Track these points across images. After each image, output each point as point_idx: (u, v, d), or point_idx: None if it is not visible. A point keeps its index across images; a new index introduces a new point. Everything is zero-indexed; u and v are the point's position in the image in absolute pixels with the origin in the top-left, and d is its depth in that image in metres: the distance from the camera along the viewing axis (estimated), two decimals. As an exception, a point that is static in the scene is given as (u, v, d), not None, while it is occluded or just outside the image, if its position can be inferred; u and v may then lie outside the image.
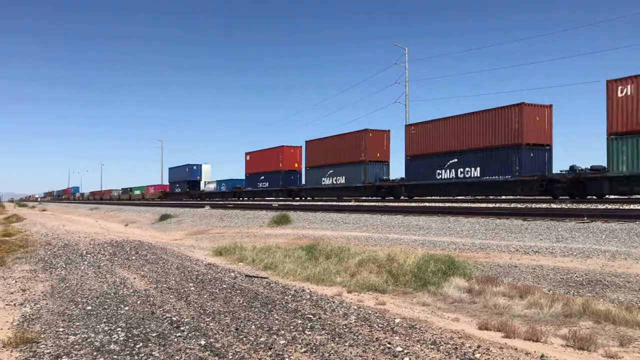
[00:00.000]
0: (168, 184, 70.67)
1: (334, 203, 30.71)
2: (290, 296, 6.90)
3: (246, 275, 8.63)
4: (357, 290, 7.44)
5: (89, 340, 4.91)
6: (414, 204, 24.68)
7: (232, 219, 22.66)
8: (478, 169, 26.33)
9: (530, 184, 23.91)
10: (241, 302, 6.58)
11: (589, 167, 22.65)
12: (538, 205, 18.28)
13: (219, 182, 56.08)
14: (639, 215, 12.22)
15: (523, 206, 18.13)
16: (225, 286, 7.66)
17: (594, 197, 22.28)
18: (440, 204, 22.91)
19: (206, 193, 57.89)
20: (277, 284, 7.82)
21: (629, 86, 20.15)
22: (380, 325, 5.37)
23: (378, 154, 34.18)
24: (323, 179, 38.64)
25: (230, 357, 4.40)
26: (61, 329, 5.31)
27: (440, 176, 28.61)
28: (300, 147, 43.38)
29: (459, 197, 28.04)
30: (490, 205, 20.77)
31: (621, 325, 5.38)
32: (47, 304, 6.61)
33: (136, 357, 4.40)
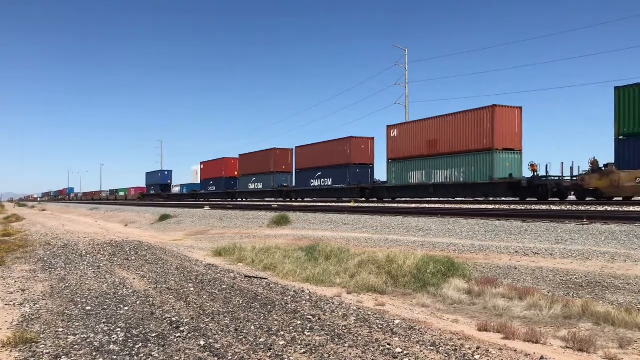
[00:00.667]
0: (145, 186, 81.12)
1: (334, 204, 30.77)
2: (289, 297, 6.90)
3: (246, 276, 8.63)
4: (356, 291, 7.44)
5: (88, 340, 4.91)
6: (413, 205, 24.74)
7: (232, 220, 22.66)
8: (331, 179, 38.93)
9: (354, 190, 36.09)
10: (241, 302, 6.58)
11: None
12: (538, 207, 18.29)
13: (182, 186, 68.38)
14: (638, 217, 12.23)
15: (523, 208, 18.14)
16: (224, 287, 7.66)
17: (388, 199, 33.68)
18: (437, 205, 22.96)
19: (172, 195, 69.68)
20: (276, 285, 7.82)
21: (396, 130, 32.88)
22: (379, 326, 5.37)
23: (283, 167, 46.34)
24: (249, 184, 50.76)
25: (230, 357, 4.40)
26: (60, 329, 5.31)
27: (312, 184, 41.09)
28: (238, 158, 54.10)
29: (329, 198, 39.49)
30: (490, 206, 20.79)
31: (621, 327, 5.38)
32: (46, 304, 6.61)
33: (136, 358, 4.40)
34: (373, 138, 37.76)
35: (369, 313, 5.98)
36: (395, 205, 26.03)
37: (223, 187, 55.15)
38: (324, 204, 30.74)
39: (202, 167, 61.79)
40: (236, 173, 53.74)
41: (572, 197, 23.91)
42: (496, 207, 19.61)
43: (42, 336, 5.05)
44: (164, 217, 27.65)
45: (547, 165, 24.57)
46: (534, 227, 12.12)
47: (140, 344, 4.76)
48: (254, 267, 9.77)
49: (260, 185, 48.42)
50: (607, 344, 4.88)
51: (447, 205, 22.52)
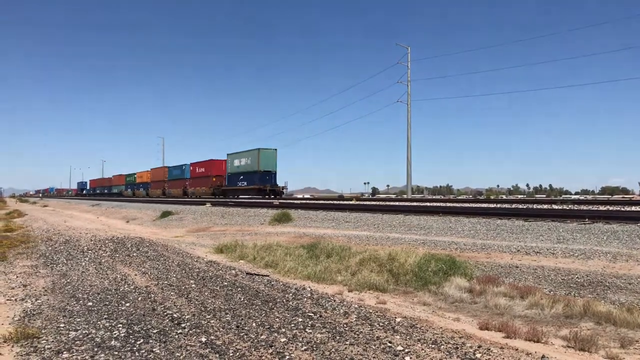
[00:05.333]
0: (76, 188, 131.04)
1: (335, 202, 30.79)
2: (291, 294, 6.90)
3: (247, 273, 8.63)
4: (358, 289, 7.44)
5: (90, 336, 4.92)
6: (415, 204, 24.73)
7: (233, 217, 22.66)
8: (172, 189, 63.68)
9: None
10: (242, 299, 6.58)
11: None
12: (539, 206, 18.27)
13: (86, 189, 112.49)
14: (641, 217, 12.18)
15: (524, 207, 18.12)
16: (226, 284, 7.66)
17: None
18: (442, 204, 22.95)
19: (84, 194, 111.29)
20: (278, 282, 7.82)
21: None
22: (381, 324, 5.37)
23: (160, 178, 66.30)
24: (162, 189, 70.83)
25: (231, 354, 4.40)
26: (62, 325, 5.32)
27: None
28: (149, 171, 73.20)
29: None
30: (492, 205, 20.77)
31: (622, 326, 5.38)
32: (48, 299, 6.62)
33: (137, 354, 4.40)
34: (274, 150, 45.22)
35: (370, 311, 5.98)
36: (397, 203, 26.05)
37: (108, 190, 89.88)
38: (325, 202, 30.73)
39: (90, 180, 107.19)
40: (146, 180, 75.06)
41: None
42: (498, 206, 19.59)
43: (43, 332, 5.05)
44: (165, 214, 27.65)
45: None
46: (536, 226, 12.10)
47: (142, 340, 4.77)
48: (255, 265, 9.78)
49: (171, 189, 64.77)
50: (609, 343, 4.88)
51: (448, 204, 22.50)
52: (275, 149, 44.52)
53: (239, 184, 45.98)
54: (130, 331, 5.08)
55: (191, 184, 54.94)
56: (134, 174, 76.90)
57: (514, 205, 19.87)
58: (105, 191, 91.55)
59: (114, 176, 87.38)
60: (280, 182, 44.46)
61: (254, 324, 5.36)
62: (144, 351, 4.46)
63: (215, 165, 50.41)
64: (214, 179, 50.15)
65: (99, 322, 5.41)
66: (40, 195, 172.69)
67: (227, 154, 49.32)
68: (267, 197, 41.18)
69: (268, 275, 8.46)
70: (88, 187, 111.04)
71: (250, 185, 43.81)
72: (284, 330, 5.14)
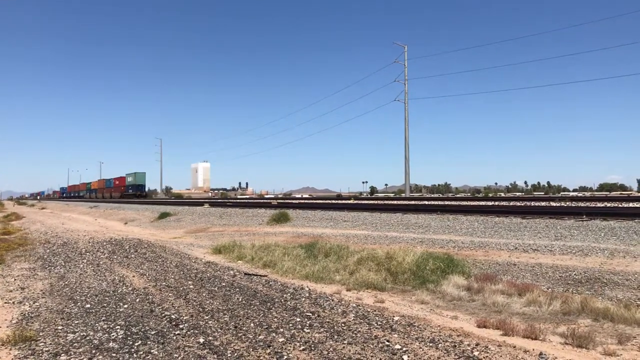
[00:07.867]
0: (59, 191, 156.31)
1: (334, 202, 30.82)
2: (289, 294, 6.90)
3: (245, 274, 8.63)
4: (356, 288, 7.44)
5: (87, 338, 4.91)
6: (413, 202, 24.76)
7: (231, 217, 22.66)
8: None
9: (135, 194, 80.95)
10: (240, 300, 6.58)
11: None
12: (537, 204, 18.32)
13: (67, 192, 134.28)
14: (638, 213, 12.23)
15: (522, 204, 18.15)
16: (224, 284, 7.66)
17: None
18: (440, 202, 22.99)
19: (66, 197, 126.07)
20: (276, 282, 7.82)
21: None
22: (379, 323, 5.37)
23: (102, 187, 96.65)
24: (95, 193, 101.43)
25: (229, 355, 4.40)
26: (60, 327, 5.31)
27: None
28: (97, 181, 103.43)
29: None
30: (490, 203, 20.81)
31: (620, 323, 5.39)
32: (46, 302, 6.61)
33: (135, 355, 4.40)
34: (144, 173, 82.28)
35: (368, 310, 5.99)
36: (395, 202, 26.09)
37: (81, 193, 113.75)
38: (323, 202, 30.76)
39: (68, 185, 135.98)
40: (95, 186, 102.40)
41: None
42: (496, 204, 19.62)
43: (41, 334, 5.05)
44: (163, 215, 27.64)
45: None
46: (534, 223, 12.13)
47: (140, 342, 4.77)
48: (253, 265, 9.78)
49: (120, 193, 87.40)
50: (606, 339, 4.89)
51: (446, 202, 22.53)
52: (145, 172, 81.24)
53: (129, 191, 79.44)
54: (128, 333, 5.08)
55: (113, 190, 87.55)
56: (90, 182, 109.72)
57: (511, 203, 19.91)
58: (76, 194, 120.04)
59: (80, 183, 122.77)
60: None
61: (252, 324, 5.36)
62: (142, 353, 4.46)
63: (122, 179, 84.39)
64: (122, 188, 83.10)
65: (96, 324, 5.41)
66: (38, 197, 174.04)
67: (126, 174, 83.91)
68: (138, 197, 72.33)
69: (266, 276, 8.46)
70: (67, 191, 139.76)
71: (133, 192, 77.80)
72: (282, 330, 5.14)
